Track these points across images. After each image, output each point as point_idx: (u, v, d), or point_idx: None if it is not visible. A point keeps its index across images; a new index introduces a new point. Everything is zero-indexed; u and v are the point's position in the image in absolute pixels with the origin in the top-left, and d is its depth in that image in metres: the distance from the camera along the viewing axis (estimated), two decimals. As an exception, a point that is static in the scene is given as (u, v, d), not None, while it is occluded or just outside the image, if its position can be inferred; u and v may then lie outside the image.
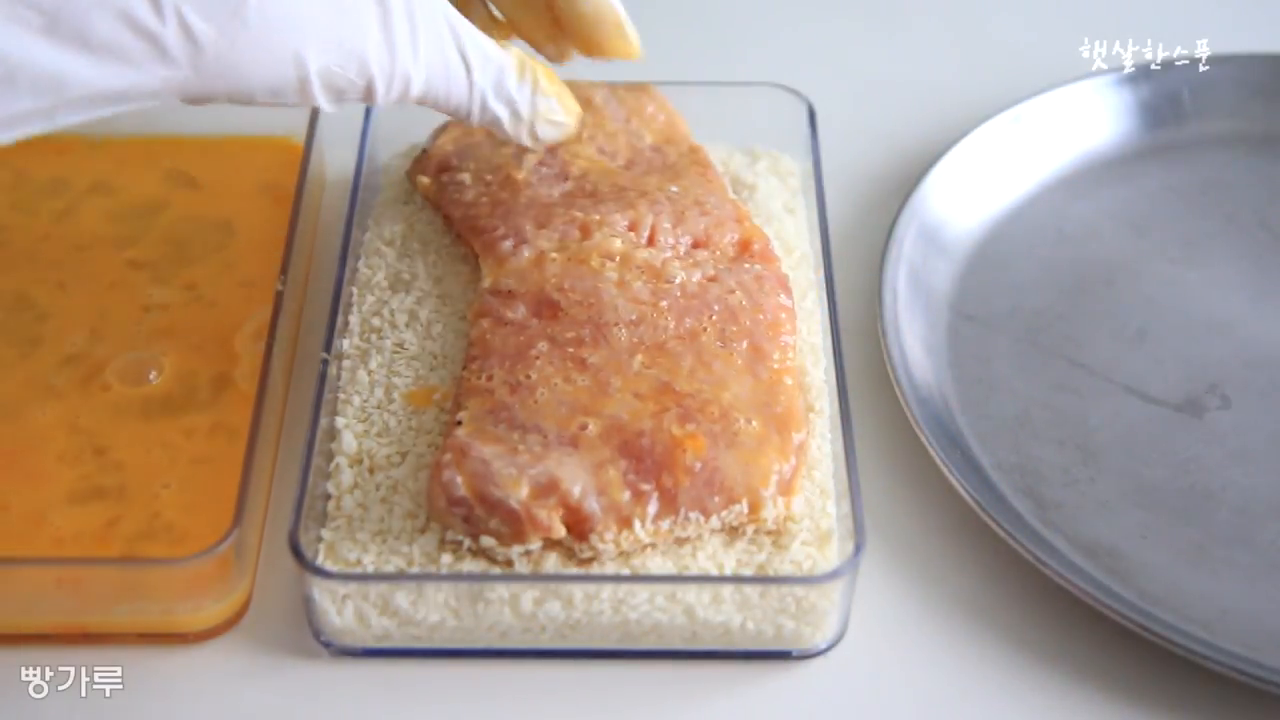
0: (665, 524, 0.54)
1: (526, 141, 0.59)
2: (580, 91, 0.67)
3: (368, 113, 0.70)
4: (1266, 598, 0.58)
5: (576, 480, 0.53)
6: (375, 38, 0.51)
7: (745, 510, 0.54)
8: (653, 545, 0.54)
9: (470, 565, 0.54)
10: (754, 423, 0.55)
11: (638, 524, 0.53)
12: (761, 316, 0.59)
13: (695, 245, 0.62)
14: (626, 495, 0.53)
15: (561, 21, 0.60)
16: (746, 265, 0.61)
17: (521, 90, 0.57)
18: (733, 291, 0.59)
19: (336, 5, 0.49)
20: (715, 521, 0.54)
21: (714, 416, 0.55)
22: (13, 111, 0.45)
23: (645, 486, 0.54)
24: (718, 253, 0.62)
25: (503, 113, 0.57)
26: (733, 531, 0.55)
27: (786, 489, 0.55)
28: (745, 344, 0.58)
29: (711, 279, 0.60)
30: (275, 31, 0.48)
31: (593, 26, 0.60)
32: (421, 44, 0.52)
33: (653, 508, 0.54)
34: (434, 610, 0.54)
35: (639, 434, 0.54)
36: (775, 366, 0.58)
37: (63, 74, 0.45)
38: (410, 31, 0.52)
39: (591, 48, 0.61)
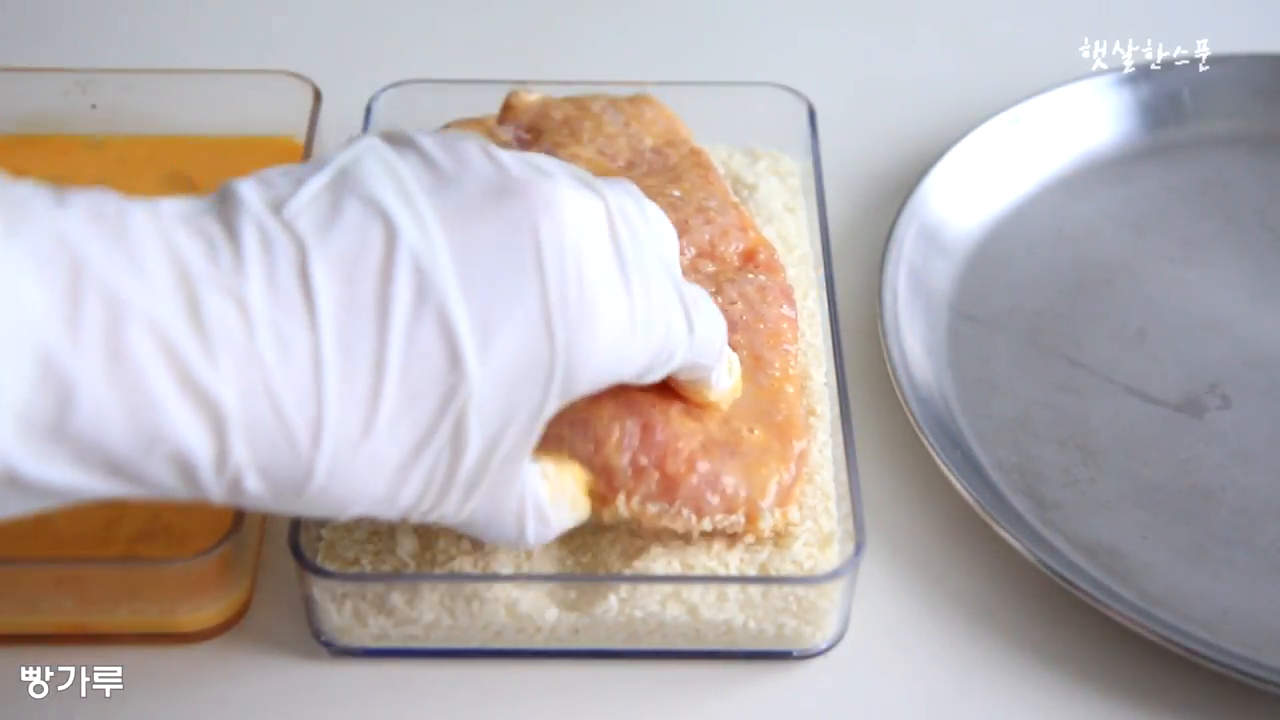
0: (654, 508, 0.53)
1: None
2: (578, 102, 0.67)
3: (368, 112, 0.70)
4: (1266, 598, 0.58)
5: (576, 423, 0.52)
6: (415, 495, 0.45)
7: (742, 521, 0.54)
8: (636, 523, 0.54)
9: (468, 564, 0.54)
10: (756, 431, 0.55)
11: (622, 500, 0.53)
12: (762, 326, 0.59)
13: (700, 255, 0.61)
14: (625, 460, 0.53)
15: None
16: (750, 275, 0.61)
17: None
18: (734, 303, 0.59)
19: (400, 482, 0.43)
20: (707, 524, 0.54)
21: (717, 420, 0.55)
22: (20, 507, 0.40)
23: (645, 460, 0.53)
24: (722, 263, 0.61)
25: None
26: (730, 539, 0.55)
27: (785, 498, 0.55)
28: (745, 353, 0.58)
29: (714, 292, 0.60)
30: (330, 497, 0.42)
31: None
32: (470, 504, 0.46)
33: (649, 488, 0.53)
34: (431, 610, 0.54)
35: (651, 405, 0.54)
36: (776, 374, 0.57)
37: (84, 490, 0.40)
38: (463, 496, 0.46)
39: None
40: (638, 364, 0.48)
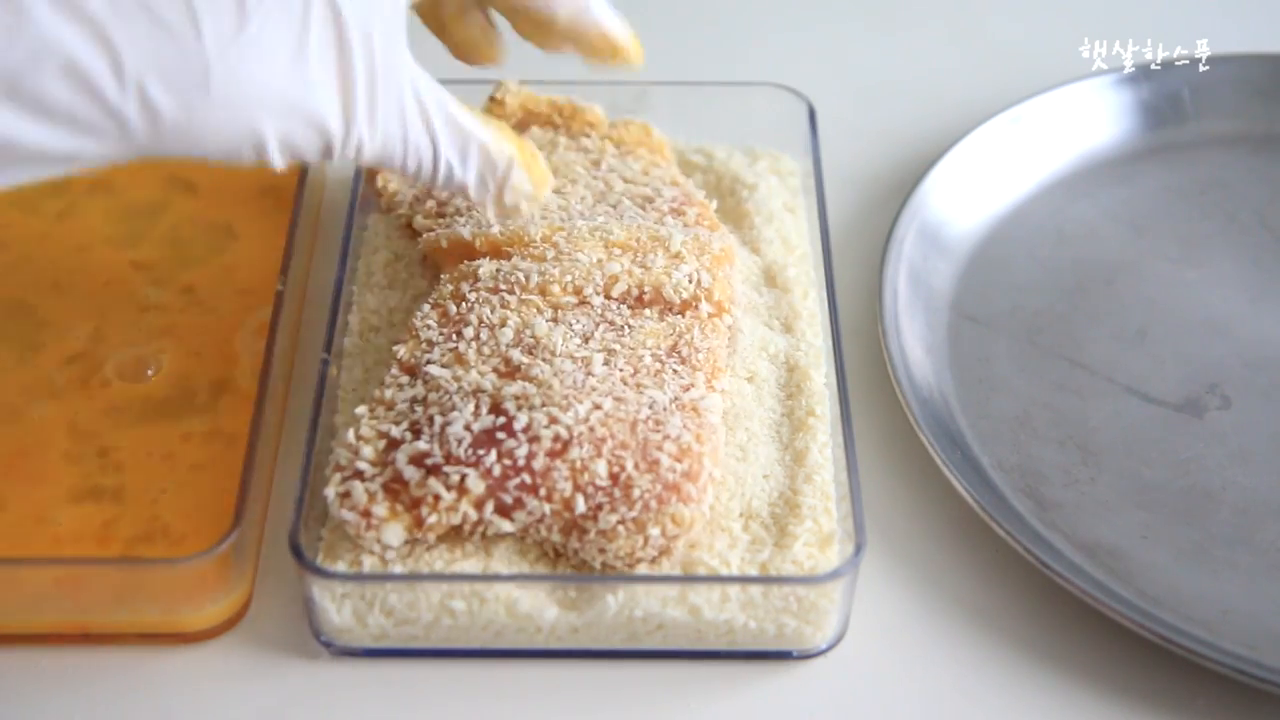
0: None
1: (490, 211, 0.57)
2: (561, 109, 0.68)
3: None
4: (1267, 598, 0.58)
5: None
6: (334, 107, 0.49)
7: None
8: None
9: (468, 564, 0.54)
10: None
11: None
12: None
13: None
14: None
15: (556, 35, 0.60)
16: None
17: (490, 164, 0.56)
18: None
19: (302, 78, 0.48)
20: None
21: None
22: None
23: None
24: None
25: (469, 183, 0.56)
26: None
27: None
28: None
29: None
30: (237, 105, 0.47)
31: (583, 49, 0.60)
32: (379, 113, 0.51)
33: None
34: (430, 610, 0.54)
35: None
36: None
37: (15, 137, 0.44)
38: (369, 100, 0.50)
39: (590, 57, 0.61)
40: None
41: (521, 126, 0.68)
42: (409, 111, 0.52)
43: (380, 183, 0.67)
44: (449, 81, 0.71)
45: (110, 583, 0.55)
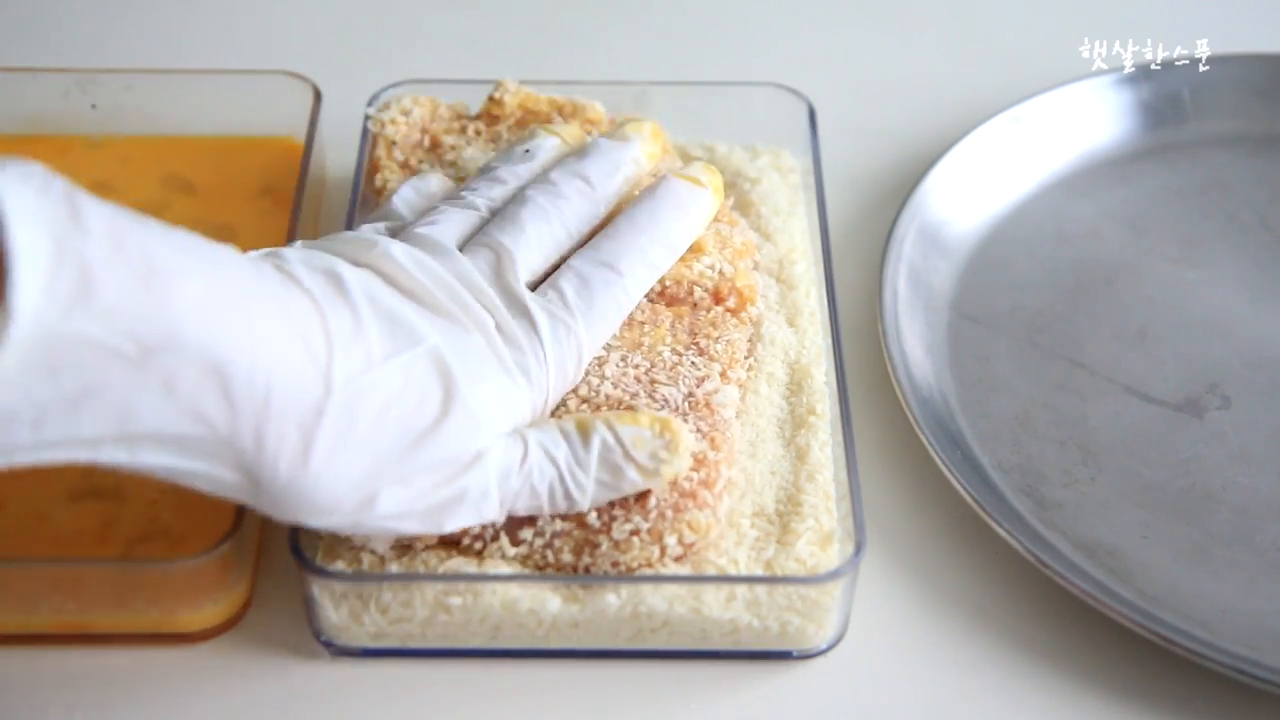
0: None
1: (645, 481, 0.53)
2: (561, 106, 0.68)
3: (370, 105, 0.70)
4: (1266, 598, 0.58)
5: None
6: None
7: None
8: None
9: (464, 564, 0.54)
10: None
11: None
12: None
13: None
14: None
15: None
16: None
17: (604, 456, 0.53)
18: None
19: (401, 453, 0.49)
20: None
21: None
22: (79, 432, 0.44)
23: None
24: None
25: (606, 478, 0.53)
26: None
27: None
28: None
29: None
30: (349, 460, 0.48)
31: None
32: (492, 504, 0.52)
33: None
34: (425, 606, 0.53)
35: None
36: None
37: (133, 406, 0.44)
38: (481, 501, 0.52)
39: None
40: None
41: (521, 126, 0.68)
42: (537, 471, 0.52)
43: (379, 182, 0.67)
44: (446, 81, 0.72)
45: (110, 583, 0.55)
